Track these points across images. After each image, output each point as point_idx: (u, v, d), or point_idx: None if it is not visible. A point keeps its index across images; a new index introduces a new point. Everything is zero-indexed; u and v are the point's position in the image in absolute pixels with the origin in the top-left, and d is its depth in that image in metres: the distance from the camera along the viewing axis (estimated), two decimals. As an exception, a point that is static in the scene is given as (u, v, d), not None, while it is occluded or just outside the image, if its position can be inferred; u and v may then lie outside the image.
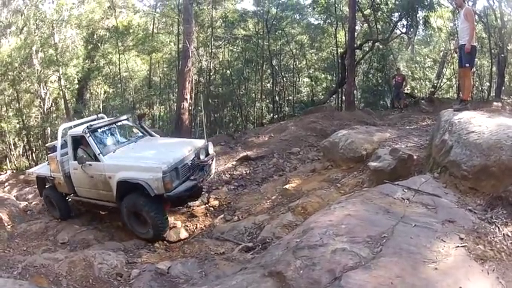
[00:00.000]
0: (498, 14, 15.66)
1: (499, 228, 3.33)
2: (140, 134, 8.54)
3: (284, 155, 10.09)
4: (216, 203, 8.26)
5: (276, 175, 9.09)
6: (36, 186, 9.75)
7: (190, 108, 13.75)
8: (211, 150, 8.04)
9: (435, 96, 17.78)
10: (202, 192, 8.65)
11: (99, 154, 7.16)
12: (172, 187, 6.60)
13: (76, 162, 7.43)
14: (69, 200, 8.56)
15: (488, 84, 17.64)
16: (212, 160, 7.99)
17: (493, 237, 3.21)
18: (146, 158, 6.99)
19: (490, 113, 5.08)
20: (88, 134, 7.33)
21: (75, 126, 8.40)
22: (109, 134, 8.00)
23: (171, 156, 6.87)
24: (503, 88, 16.08)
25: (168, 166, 6.54)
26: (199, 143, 7.90)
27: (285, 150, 10.32)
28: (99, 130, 7.71)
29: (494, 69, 16.41)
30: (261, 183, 8.88)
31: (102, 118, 9.06)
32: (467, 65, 5.89)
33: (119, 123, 8.41)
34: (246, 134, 13.21)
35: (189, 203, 8.38)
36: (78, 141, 7.60)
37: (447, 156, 4.42)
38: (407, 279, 2.71)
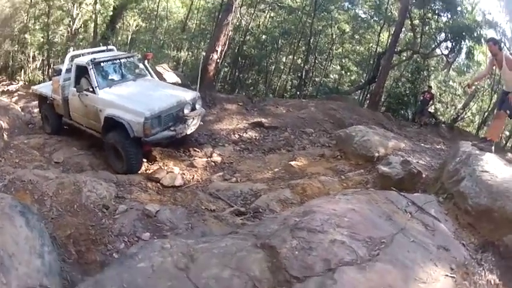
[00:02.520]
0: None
1: (485, 272, 3.36)
2: (142, 73, 8.77)
3: (297, 132, 10.06)
4: (219, 159, 8.29)
5: (284, 149, 9.10)
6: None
7: (218, 61, 13.69)
8: (198, 106, 8.28)
9: (456, 125, 17.76)
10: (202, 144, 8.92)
11: (95, 87, 7.59)
12: (151, 133, 7.03)
13: (75, 89, 7.89)
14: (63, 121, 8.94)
15: (508, 133, 17.56)
16: (198, 116, 8.20)
17: (479, 279, 3.25)
18: (135, 100, 7.31)
19: (506, 161, 5.05)
20: (91, 66, 7.68)
21: (83, 55, 8.68)
22: (111, 69, 8.34)
23: (158, 104, 7.22)
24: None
25: (151, 113, 6.95)
26: (190, 95, 8.08)
27: (299, 127, 10.28)
28: (102, 64, 8.06)
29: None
30: (267, 152, 8.91)
31: (111, 50, 9.30)
32: (508, 111, 5.58)
33: (124, 60, 8.67)
34: (265, 101, 13.08)
35: (192, 153, 8.50)
36: (82, 71, 7.92)
37: (457, 185, 4.40)
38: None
